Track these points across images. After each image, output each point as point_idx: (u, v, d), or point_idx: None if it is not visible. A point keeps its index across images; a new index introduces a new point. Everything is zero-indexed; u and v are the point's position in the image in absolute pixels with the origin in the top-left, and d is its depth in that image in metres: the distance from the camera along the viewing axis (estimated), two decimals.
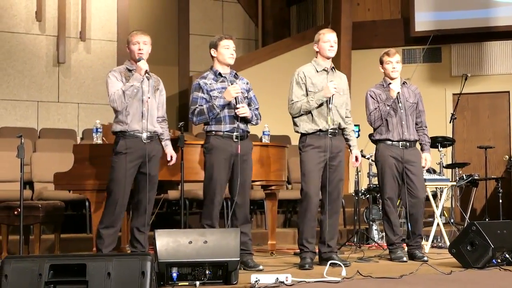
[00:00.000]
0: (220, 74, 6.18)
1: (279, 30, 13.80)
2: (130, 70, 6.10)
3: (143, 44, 6.07)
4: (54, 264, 4.26)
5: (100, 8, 12.02)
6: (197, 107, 6.08)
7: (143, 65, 5.98)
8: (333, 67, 6.46)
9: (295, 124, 6.40)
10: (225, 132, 6.06)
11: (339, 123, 6.35)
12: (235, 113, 6.06)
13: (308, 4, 13.60)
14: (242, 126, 6.12)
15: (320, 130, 6.26)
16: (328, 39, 6.35)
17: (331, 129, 6.27)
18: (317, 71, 6.38)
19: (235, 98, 6.07)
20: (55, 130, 11.09)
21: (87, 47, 11.86)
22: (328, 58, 6.38)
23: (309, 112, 6.28)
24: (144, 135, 6.00)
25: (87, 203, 7.85)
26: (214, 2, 13.46)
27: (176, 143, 6.35)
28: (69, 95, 11.70)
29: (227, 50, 6.16)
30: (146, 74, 6.00)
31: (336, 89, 6.25)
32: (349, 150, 6.64)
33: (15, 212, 6.71)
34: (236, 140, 6.07)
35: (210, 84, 6.13)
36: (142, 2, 12.75)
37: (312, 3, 13.48)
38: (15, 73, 11.34)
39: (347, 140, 6.54)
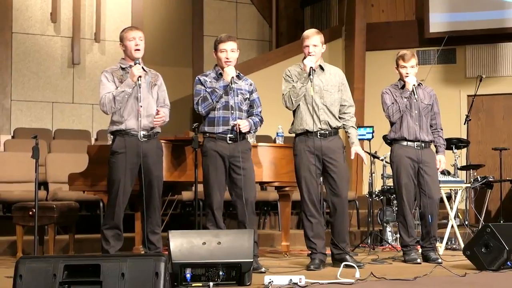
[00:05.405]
0: (221, 74, 6.07)
1: (293, 31, 13.77)
2: (123, 69, 5.93)
3: (139, 40, 5.90)
4: (68, 265, 4.26)
5: (115, 10, 12.06)
6: (200, 97, 6.00)
7: (136, 71, 5.75)
8: (321, 66, 6.25)
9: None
10: (218, 134, 6.00)
11: (328, 122, 6.20)
12: (236, 128, 5.94)
13: (322, 5, 13.57)
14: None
15: (308, 131, 6.18)
16: (306, 44, 6.19)
17: (320, 129, 6.17)
18: (302, 69, 6.22)
19: (232, 106, 5.99)
20: (69, 131, 11.14)
21: (101, 49, 11.90)
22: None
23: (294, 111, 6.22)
24: (141, 134, 5.85)
25: (101, 204, 7.86)
26: (228, 3, 13.47)
27: (190, 144, 6.34)
28: (83, 96, 11.75)
29: (222, 54, 6.03)
30: (138, 81, 5.75)
31: (321, 87, 6.18)
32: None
33: (30, 213, 6.74)
34: (230, 142, 5.99)
35: (209, 82, 6.05)
36: (156, 3, 12.77)
37: (326, 4, 13.45)
38: (30, 74, 11.40)
39: (348, 137, 6.40)
